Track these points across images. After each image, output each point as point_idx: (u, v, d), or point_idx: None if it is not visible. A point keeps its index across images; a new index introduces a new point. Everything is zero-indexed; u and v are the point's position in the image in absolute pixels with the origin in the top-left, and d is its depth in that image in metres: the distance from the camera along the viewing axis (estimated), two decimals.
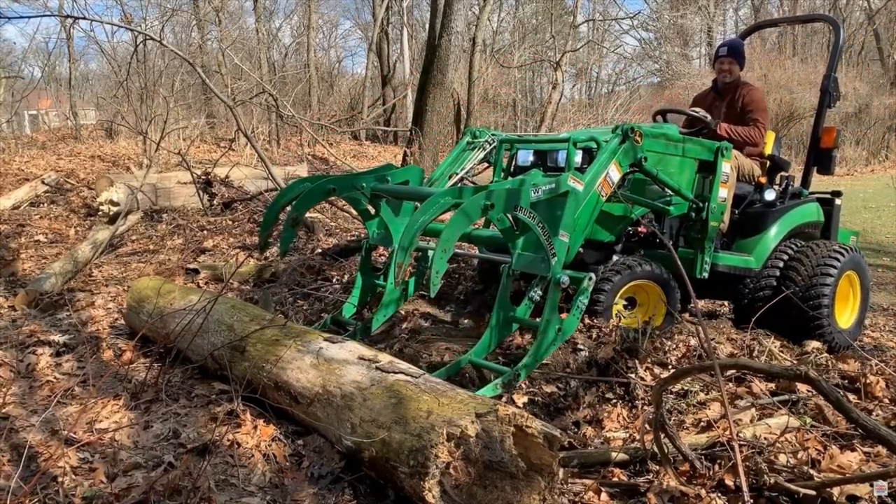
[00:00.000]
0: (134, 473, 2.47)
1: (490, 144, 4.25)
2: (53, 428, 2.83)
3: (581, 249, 3.89)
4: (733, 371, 3.23)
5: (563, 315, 3.17)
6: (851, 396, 3.14)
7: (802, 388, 3.09)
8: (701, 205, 4.00)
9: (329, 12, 30.16)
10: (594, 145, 3.68)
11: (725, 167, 4.02)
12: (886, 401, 3.10)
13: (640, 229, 4.10)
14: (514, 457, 2.08)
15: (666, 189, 3.89)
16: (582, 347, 3.44)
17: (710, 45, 32.13)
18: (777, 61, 21.72)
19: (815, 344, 4.05)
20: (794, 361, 3.65)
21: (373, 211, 3.85)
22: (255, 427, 2.77)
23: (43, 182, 8.75)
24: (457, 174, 4.15)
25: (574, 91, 30.67)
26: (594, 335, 3.56)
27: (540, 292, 3.19)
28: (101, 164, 10.82)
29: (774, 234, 4.42)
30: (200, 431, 2.78)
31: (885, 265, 7.85)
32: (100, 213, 7.37)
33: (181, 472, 2.43)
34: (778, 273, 4.33)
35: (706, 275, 4.04)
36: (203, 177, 8.11)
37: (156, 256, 6.19)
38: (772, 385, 3.26)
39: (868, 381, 3.19)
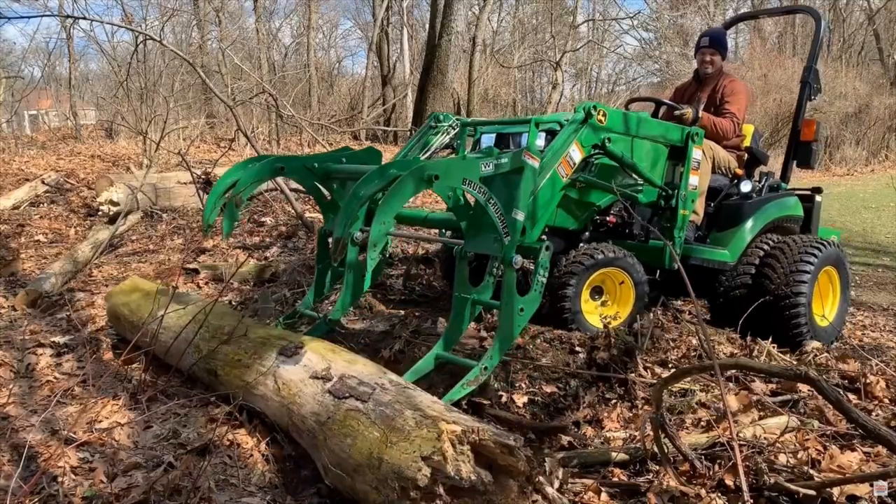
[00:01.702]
0: (134, 473, 2.47)
1: (454, 129, 4.10)
2: (53, 428, 2.83)
3: (545, 237, 3.80)
4: (733, 371, 3.23)
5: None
6: (851, 396, 3.14)
7: (803, 388, 3.09)
8: (671, 192, 3.88)
9: (329, 12, 30.15)
10: (557, 127, 3.57)
11: (696, 153, 3.90)
12: (886, 401, 3.10)
13: (609, 219, 4.01)
14: (476, 480, 2.00)
15: (633, 174, 3.79)
16: (580, 349, 3.44)
17: None
18: (777, 61, 21.72)
19: (815, 344, 4.04)
20: (794, 361, 3.66)
21: (328, 195, 3.66)
22: (255, 427, 2.77)
23: (43, 182, 8.75)
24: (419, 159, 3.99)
25: (574, 91, 30.67)
26: (591, 337, 3.56)
27: (497, 270, 3.06)
28: (101, 164, 10.81)
29: (751, 227, 4.30)
30: (200, 431, 2.78)
31: (885, 265, 7.85)
32: (100, 213, 7.36)
33: (181, 472, 2.43)
34: (754, 268, 4.21)
35: (677, 265, 3.96)
36: (203, 177, 8.11)
37: (156, 256, 6.19)
38: (772, 385, 3.26)
39: (868, 381, 3.19)
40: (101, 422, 2.87)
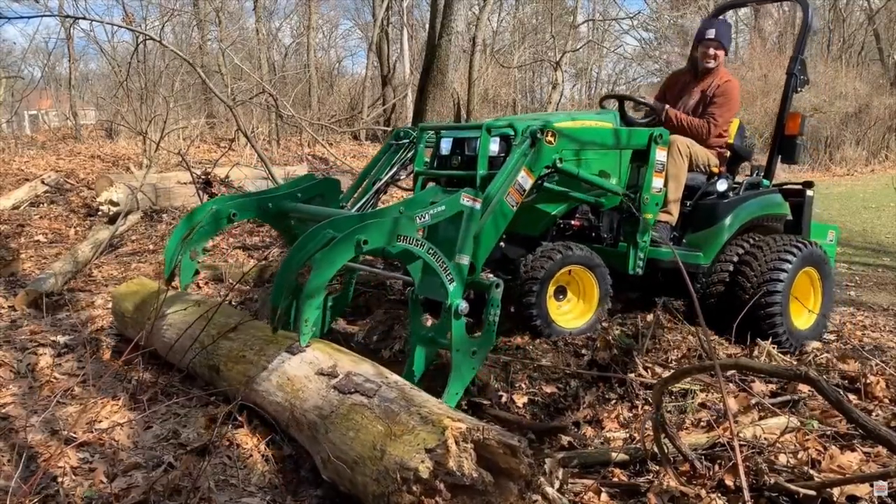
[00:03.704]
0: (134, 473, 2.47)
1: (416, 144, 3.93)
2: (53, 428, 2.83)
3: (503, 244, 3.69)
4: (733, 371, 3.23)
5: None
6: (851, 396, 3.14)
7: (803, 388, 3.09)
8: (632, 196, 3.74)
9: (329, 12, 30.11)
10: (510, 132, 3.46)
11: (660, 155, 3.75)
12: (886, 401, 3.10)
13: (573, 222, 3.90)
14: (477, 478, 2.01)
15: (591, 186, 3.67)
16: (585, 353, 3.45)
17: None
18: (777, 61, 21.71)
19: (815, 344, 4.03)
20: (794, 362, 3.66)
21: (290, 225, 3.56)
22: (255, 428, 2.77)
23: (43, 182, 8.75)
24: (381, 179, 3.87)
25: (574, 91, 30.64)
26: (591, 339, 3.56)
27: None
28: (101, 164, 10.81)
29: (727, 227, 4.09)
30: (200, 431, 2.78)
31: (885, 265, 7.84)
32: (100, 213, 7.37)
33: (181, 472, 2.43)
34: (731, 269, 4.04)
35: (640, 271, 3.78)
36: (203, 177, 8.11)
37: (156, 256, 6.19)
38: (772, 386, 3.27)
39: (868, 381, 3.19)
40: (101, 422, 2.87)
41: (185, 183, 7.94)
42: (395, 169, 3.91)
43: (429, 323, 3.26)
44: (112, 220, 6.97)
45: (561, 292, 3.67)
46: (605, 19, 26.44)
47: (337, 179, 3.72)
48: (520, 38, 26.96)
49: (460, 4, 10.53)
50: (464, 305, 2.79)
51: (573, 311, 3.71)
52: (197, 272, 3.37)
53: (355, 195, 3.85)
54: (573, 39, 21.31)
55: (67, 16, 10.72)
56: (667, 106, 4.22)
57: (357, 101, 20.29)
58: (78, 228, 7.33)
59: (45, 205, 8.22)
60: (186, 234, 3.26)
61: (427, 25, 13.55)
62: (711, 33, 4.37)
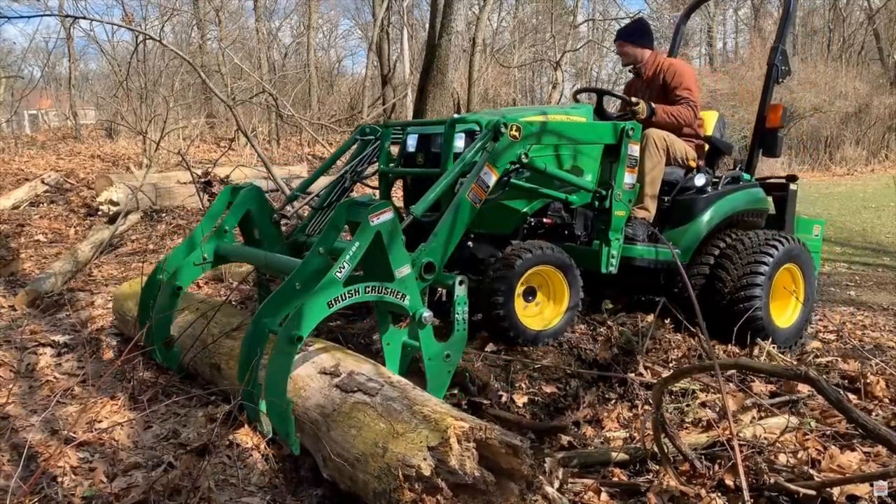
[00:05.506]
0: (134, 473, 2.47)
1: (380, 140, 3.87)
2: (53, 428, 2.83)
3: (471, 244, 3.60)
4: (733, 371, 3.23)
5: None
6: (851, 396, 3.14)
7: (803, 388, 3.09)
8: (604, 193, 3.60)
9: (329, 12, 30.14)
10: (476, 128, 3.37)
11: (632, 150, 3.63)
12: (886, 401, 3.11)
13: (545, 220, 3.79)
14: (479, 477, 2.01)
15: (561, 182, 3.57)
16: (587, 353, 3.44)
17: (711, 44, 32.08)
18: None
19: (815, 343, 4.04)
20: (794, 361, 3.66)
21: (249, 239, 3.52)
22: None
23: (43, 182, 8.75)
24: (346, 178, 3.78)
25: (574, 90, 30.67)
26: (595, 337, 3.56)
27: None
28: (101, 163, 10.82)
29: (705, 222, 3.99)
30: (200, 431, 2.78)
31: (885, 265, 7.85)
32: (100, 212, 7.37)
33: (181, 472, 2.43)
34: (710, 266, 3.94)
35: (614, 269, 3.65)
36: (203, 177, 8.12)
37: (156, 256, 6.19)
38: (772, 386, 3.27)
39: (868, 381, 3.20)
40: (101, 422, 2.87)
41: (185, 183, 7.95)
42: (361, 166, 3.80)
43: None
44: (112, 219, 6.97)
45: (531, 293, 3.51)
46: (605, 19, 26.46)
47: (257, 188, 3.55)
48: (520, 37, 26.96)
49: (460, 4, 10.51)
50: (427, 314, 2.69)
51: (543, 312, 3.54)
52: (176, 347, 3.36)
53: (322, 190, 3.75)
54: (573, 39, 21.32)
55: (67, 15, 10.73)
56: (653, 104, 4.11)
57: (357, 100, 20.27)
58: (78, 228, 7.33)
59: (45, 204, 8.22)
60: (148, 325, 3.25)
61: (427, 25, 13.54)
62: (615, 37, 4.57)
